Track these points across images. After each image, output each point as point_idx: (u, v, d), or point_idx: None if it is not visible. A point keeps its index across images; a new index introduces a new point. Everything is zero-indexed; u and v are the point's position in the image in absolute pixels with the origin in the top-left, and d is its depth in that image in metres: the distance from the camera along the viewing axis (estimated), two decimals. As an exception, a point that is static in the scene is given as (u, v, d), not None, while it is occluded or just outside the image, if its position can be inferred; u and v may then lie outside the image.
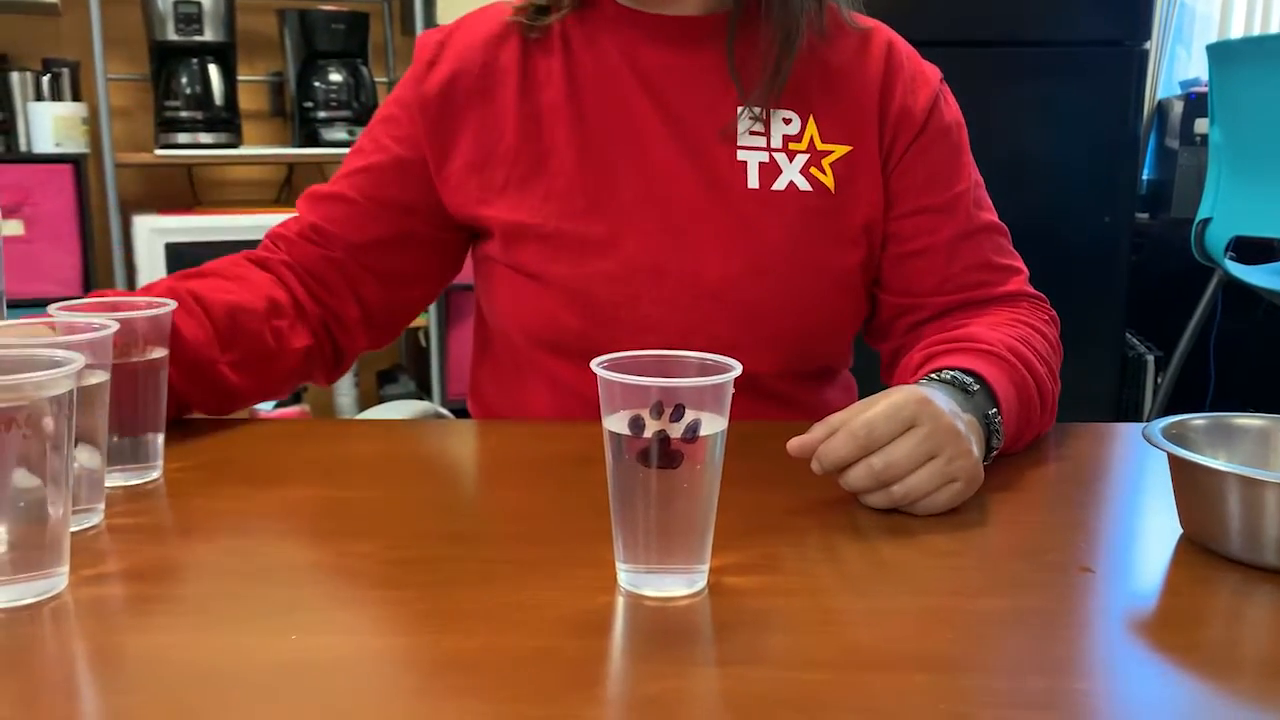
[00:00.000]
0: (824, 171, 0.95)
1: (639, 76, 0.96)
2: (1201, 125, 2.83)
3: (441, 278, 1.06)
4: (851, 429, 0.73)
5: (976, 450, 0.76)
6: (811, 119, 0.96)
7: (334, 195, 1.00)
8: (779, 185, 0.95)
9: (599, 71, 0.96)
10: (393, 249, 1.00)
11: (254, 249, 1.01)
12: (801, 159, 0.95)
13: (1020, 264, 1.02)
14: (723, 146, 0.95)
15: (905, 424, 0.73)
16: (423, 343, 3.00)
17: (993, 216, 1.01)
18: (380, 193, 0.99)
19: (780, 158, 0.95)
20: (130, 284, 2.65)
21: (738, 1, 0.95)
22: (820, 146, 0.96)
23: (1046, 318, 0.98)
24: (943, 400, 0.76)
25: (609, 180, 0.94)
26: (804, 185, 0.95)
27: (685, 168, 0.94)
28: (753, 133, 0.95)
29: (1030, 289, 1.01)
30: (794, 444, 0.75)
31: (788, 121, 0.96)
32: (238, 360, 0.91)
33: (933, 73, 1.00)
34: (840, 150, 0.96)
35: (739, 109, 0.95)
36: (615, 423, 0.58)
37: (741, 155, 0.95)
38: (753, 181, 0.94)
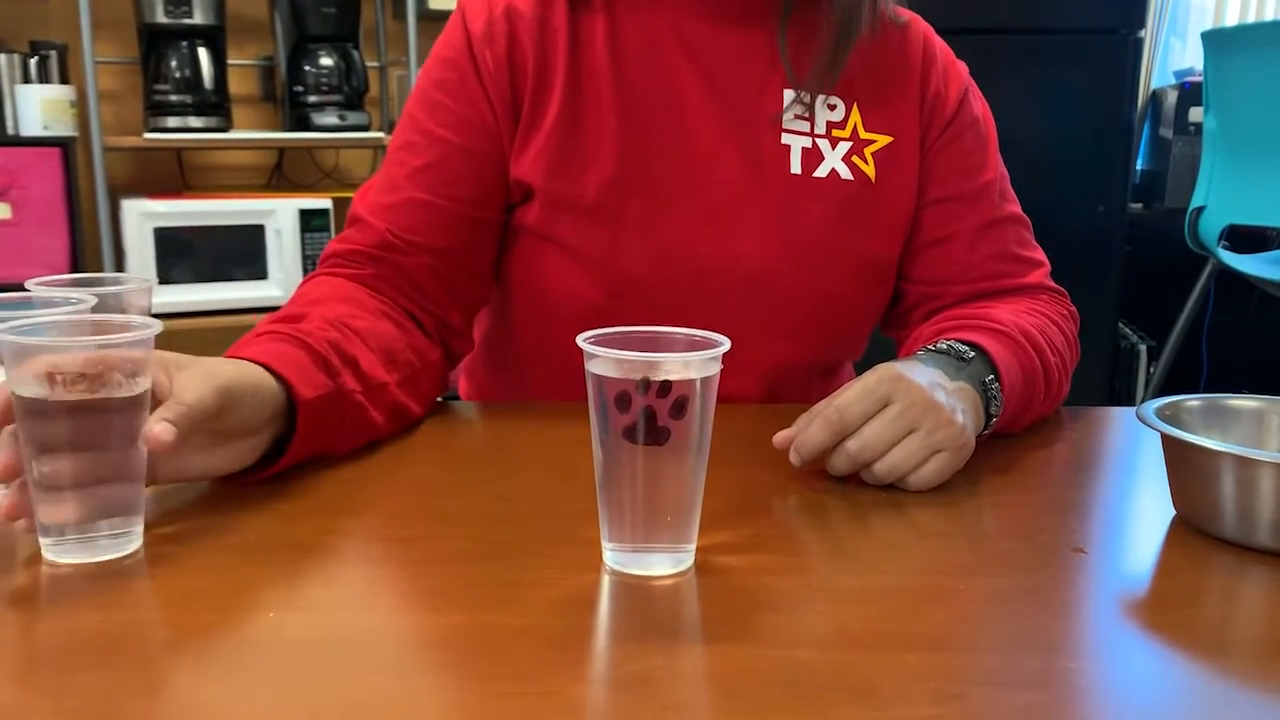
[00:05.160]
0: (866, 161, 0.94)
1: (685, 49, 0.93)
2: (1196, 114, 2.82)
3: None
4: (825, 415, 0.73)
5: (965, 418, 0.75)
6: (855, 106, 0.95)
7: (406, 202, 0.91)
8: (820, 172, 0.93)
9: (644, 40, 0.92)
10: (476, 245, 0.93)
11: (326, 269, 0.91)
12: (844, 146, 0.94)
13: (1043, 257, 1.01)
14: (767, 129, 0.93)
15: (879, 403, 0.73)
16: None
17: (1017, 209, 1.00)
18: (455, 189, 0.91)
19: (823, 144, 0.94)
20: (119, 268, 2.63)
21: None
22: (863, 135, 0.95)
23: (1065, 313, 0.98)
24: (921, 373, 0.75)
25: (648, 155, 0.91)
26: (845, 174, 0.94)
27: (728, 148, 0.92)
28: (798, 117, 0.93)
29: (1051, 283, 1.00)
30: (779, 438, 0.75)
31: (832, 108, 0.94)
32: (400, 381, 0.84)
33: (963, 67, 1.01)
34: (883, 140, 0.95)
35: (786, 91, 0.93)
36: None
37: (785, 139, 0.93)
38: (795, 167, 0.93)
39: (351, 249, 0.91)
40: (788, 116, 0.93)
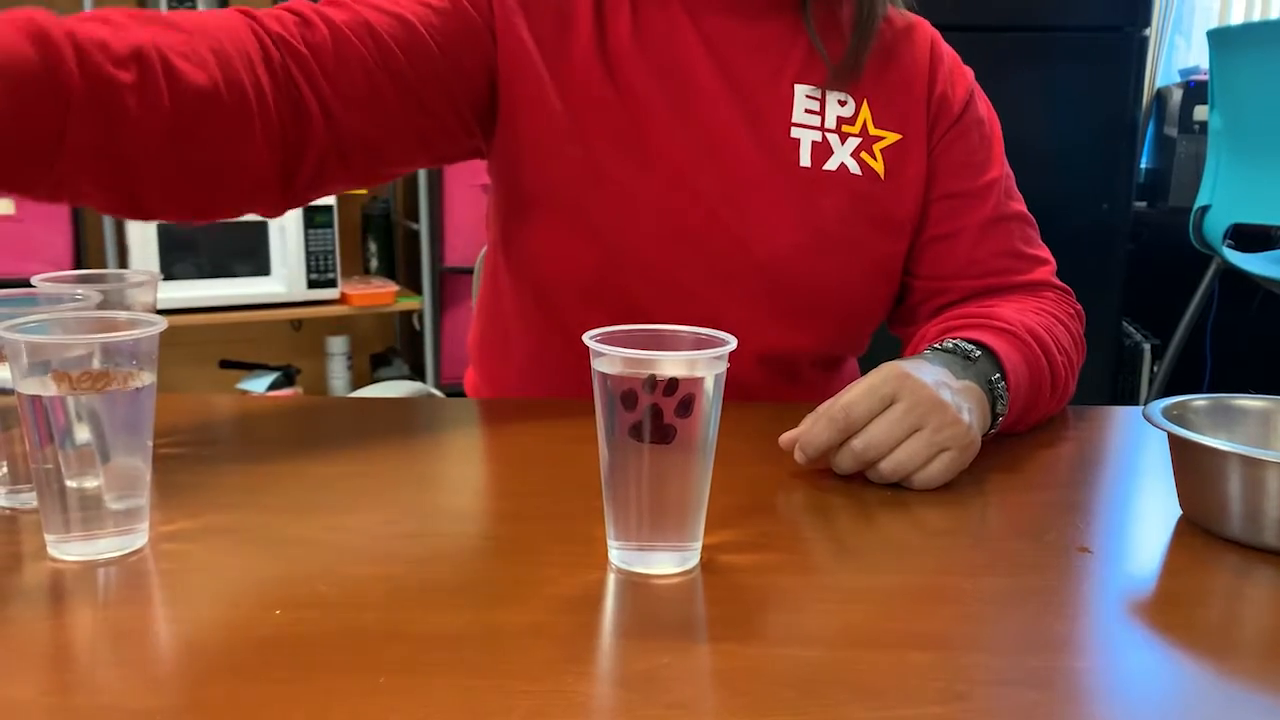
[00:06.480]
0: (875, 157, 0.95)
1: (703, 39, 0.94)
2: (1201, 113, 2.82)
3: (409, 162, 0.93)
4: (830, 414, 0.73)
5: (971, 416, 0.75)
6: (865, 103, 0.96)
7: (396, 14, 0.85)
8: (830, 165, 0.94)
9: (665, 27, 0.94)
10: (413, 106, 0.87)
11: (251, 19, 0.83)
12: (853, 142, 0.95)
13: (1048, 255, 1.02)
14: (777, 121, 0.94)
15: (884, 401, 0.73)
16: (416, 326, 2.99)
17: (1022, 207, 1.01)
18: (445, 41, 0.87)
19: (833, 138, 0.95)
20: (122, 264, 2.63)
21: None
22: (873, 131, 0.96)
23: (1072, 311, 0.98)
24: (927, 372, 0.75)
25: (666, 135, 0.92)
26: (854, 168, 0.95)
27: (741, 136, 0.94)
28: (808, 110, 0.95)
29: (1057, 281, 1.00)
30: (784, 439, 0.76)
31: (842, 103, 0.96)
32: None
33: (968, 71, 1.03)
34: (891, 137, 0.96)
35: (797, 85, 0.95)
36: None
37: (795, 133, 0.94)
38: (804, 159, 0.94)
39: (295, 14, 0.84)
40: (797, 109, 0.94)
